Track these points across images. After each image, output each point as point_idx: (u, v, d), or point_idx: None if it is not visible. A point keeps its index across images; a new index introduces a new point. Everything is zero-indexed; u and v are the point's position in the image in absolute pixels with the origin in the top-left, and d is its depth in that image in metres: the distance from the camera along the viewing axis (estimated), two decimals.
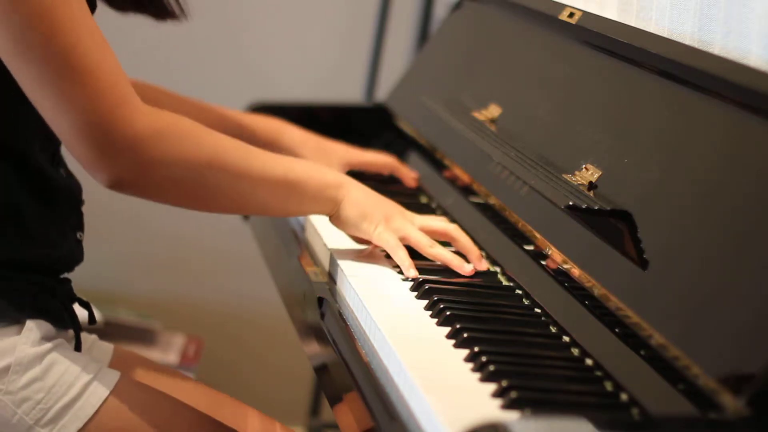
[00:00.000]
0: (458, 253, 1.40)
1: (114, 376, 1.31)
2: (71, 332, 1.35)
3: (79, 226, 1.38)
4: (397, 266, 1.39)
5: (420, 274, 1.35)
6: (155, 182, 1.26)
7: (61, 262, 1.35)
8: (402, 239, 1.38)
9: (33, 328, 1.28)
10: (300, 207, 1.38)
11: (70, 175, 1.39)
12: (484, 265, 1.39)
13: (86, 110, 1.19)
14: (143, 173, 1.24)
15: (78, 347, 1.34)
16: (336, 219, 1.40)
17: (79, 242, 1.38)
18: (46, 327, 1.30)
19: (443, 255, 1.37)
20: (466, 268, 1.36)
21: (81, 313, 1.40)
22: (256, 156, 1.32)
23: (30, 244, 1.30)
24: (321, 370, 1.31)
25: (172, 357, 2.39)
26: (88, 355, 1.36)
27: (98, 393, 1.29)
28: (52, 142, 1.33)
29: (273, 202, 1.35)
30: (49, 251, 1.32)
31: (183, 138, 1.26)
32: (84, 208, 1.41)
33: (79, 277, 1.41)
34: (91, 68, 1.19)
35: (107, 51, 1.22)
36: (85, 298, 1.42)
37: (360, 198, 1.39)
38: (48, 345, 1.28)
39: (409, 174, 1.74)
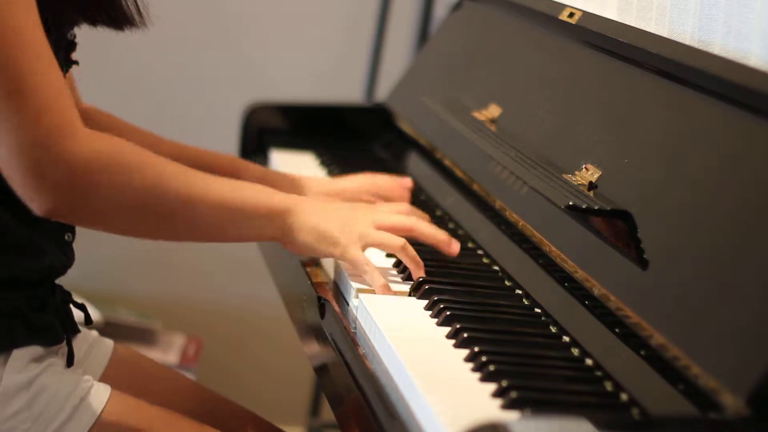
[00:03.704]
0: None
1: (105, 393, 1.27)
2: (64, 343, 1.31)
3: (67, 227, 1.33)
4: (398, 265, 1.39)
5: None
6: (93, 212, 1.20)
7: (51, 269, 1.30)
8: (366, 246, 1.33)
9: (20, 356, 1.23)
10: (246, 233, 1.32)
11: None
12: (456, 248, 1.36)
13: (23, 133, 1.13)
14: (79, 203, 1.18)
15: (71, 359, 1.30)
16: (291, 245, 1.33)
17: (68, 243, 1.33)
18: (35, 349, 1.25)
19: (414, 259, 1.33)
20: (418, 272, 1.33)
21: (78, 315, 1.37)
22: (200, 181, 1.26)
23: (15, 257, 1.25)
24: (321, 371, 1.31)
25: (172, 357, 2.39)
26: (79, 370, 1.32)
27: (88, 416, 1.25)
28: None
29: (218, 229, 1.29)
30: (35, 261, 1.27)
31: (124, 163, 1.19)
32: None
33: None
34: (32, 89, 1.13)
35: (52, 72, 1.15)
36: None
37: (312, 220, 1.32)
38: (37, 369, 1.24)
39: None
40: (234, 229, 1.30)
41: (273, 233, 1.32)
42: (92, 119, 1.52)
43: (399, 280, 1.36)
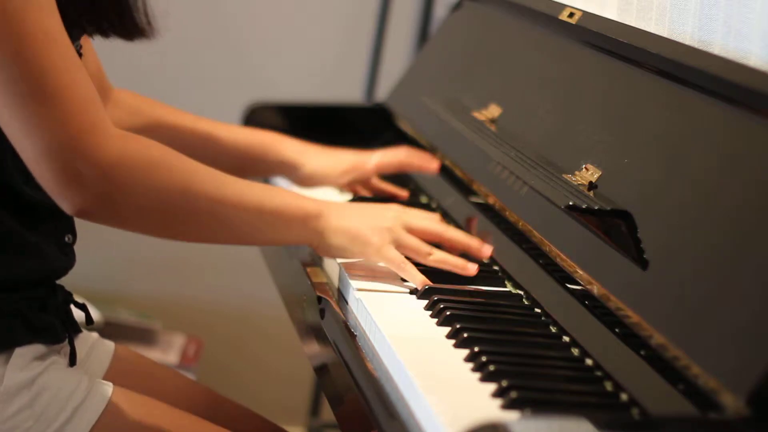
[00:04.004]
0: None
1: (107, 391, 1.27)
2: (66, 342, 1.31)
3: (68, 229, 1.33)
4: None
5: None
6: (124, 212, 1.21)
7: (52, 270, 1.30)
8: (398, 247, 1.34)
9: (22, 354, 1.23)
10: (278, 237, 1.33)
11: None
12: (488, 251, 1.38)
13: (53, 134, 1.14)
14: (111, 202, 1.19)
15: (73, 359, 1.30)
16: (323, 250, 1.35)
17: (69, 245, 1.33)
18: (37, 348, 1.25)
19: (445, 261, 1.35)
20: (470, 269, 1.35)
21: (78, 315, 1.36)
22: (232, 184, 1.28)
23: (16, 258, 1.26)
24: (321, 371, 1.31)
25: (172, 357, 2.39)
26: (81, 370, 1.32)
27: (89, 415, 1.25)
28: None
29: (248, 232, 1.31)
30: (35, 262, 1.27)
31: (153, 166, 1.21)
32: None
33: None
34: (60, 90, 1.14)
35: (80, 73, 1.17)
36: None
37: (343, 222, 1.34)
38: (39, 367, 1.24)
39: (427, 161, 1.65)
40: (264, 233, 1.32)
41: (305, 237, 1.34)
42: (127, 105, 1.54)
43: (399, 280, 1.36)
